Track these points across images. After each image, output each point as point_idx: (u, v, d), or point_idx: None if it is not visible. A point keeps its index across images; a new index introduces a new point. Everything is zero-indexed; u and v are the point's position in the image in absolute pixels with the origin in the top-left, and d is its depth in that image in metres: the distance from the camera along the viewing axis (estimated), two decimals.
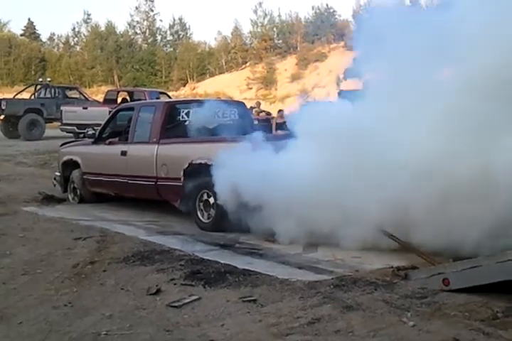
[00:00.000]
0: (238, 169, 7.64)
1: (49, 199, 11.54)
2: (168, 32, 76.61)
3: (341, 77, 55.91)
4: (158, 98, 22.28)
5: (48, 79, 30.83)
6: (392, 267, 6.08)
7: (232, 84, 61.90)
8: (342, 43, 62.88)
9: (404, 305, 5.00)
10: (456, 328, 4.53)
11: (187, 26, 76.55)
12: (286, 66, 63.82)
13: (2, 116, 26.30)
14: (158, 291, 5.85)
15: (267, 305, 5.28)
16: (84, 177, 11.26)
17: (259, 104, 25.85)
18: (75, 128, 22.88)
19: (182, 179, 9.05)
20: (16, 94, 28.81)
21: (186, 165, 9.01)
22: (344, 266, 6.44)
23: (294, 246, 7.40)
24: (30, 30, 78.80)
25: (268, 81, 62.57)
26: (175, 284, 6.01)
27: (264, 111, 24.87)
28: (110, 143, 10.73)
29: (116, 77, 68.89)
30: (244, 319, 5.06)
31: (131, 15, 75.50)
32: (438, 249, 6.22)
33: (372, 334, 4.53)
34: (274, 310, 5.17)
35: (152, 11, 75.03)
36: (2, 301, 6.23)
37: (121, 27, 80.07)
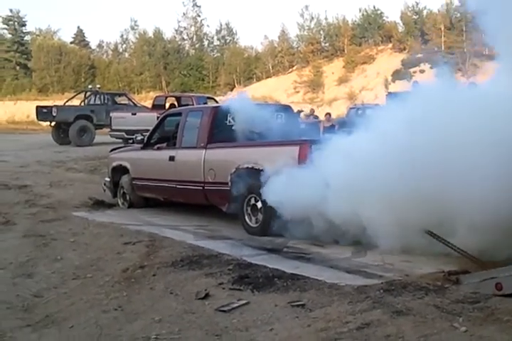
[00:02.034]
0: None
1: (99, 205, 11.70)
2: (215, 37, 77.17)
3: (389, 79, 55.60)
4: (205, 103, 22.39)
5: (98, 85, 31.27)
6: (443, 271, 5.97)
7: (279, 88, 61.92)
8: (390, 45, 62.51)
9: (455, 310, 4.91)
10: (509, 334, 4.42)
11: (234, 31, 77.03)
12: (333, 69, 63.59)
13: (53, 123, 26.74)
14: (206, 295, 5.86)
15: (315, 310, 5.24)
16: (134, 182, 11.37)
17: (313, 110, 25.94)
18: (124, 133, 23.10)
19: (229, 183, 9.06)
20: (67, 101, 29.26)
21: (233, 170, 9.02)
22: (394, 271, 6.36)
23: (343, 250, 7.34)
24: (80, 38, 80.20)
25: (315, 84, 62.44)
26: (223, 288, 6.02)
27: (312, 114, 24.88)
28: (158, 149, 10.81)
29: (164, 83, 69.57)
30: (293, 324, 5.03)
31: (179, 21, 76.59)
32: None
33: (423, 340, 4.45)
34: (322, 314, 5.12)
35: (199, 16, 75.69)
36: (53, 305, 6.32)
37: (168, 33, 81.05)
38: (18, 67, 73.34)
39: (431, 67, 58.16)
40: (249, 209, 8.79)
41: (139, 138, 11.52)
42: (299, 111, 20.98)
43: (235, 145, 9.51)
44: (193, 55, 73.46)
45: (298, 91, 62.90)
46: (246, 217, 8.83)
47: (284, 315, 5.22)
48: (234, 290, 5.93)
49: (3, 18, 73.64)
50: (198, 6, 75.12)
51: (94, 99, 27.51)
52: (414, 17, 65.20)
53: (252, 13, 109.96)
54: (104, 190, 12.25)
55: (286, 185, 7.77)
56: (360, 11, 69.54)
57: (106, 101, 27.06)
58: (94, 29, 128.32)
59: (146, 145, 11.17)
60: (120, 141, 23.14)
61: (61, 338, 5.54)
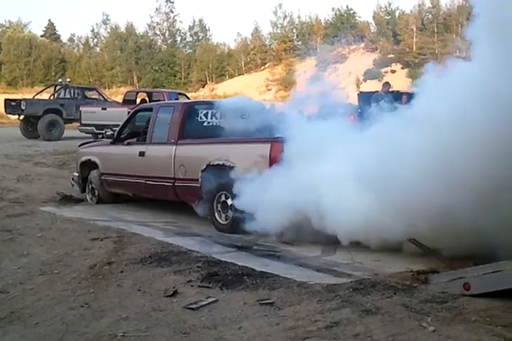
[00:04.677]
0: None
1: (67, 200, 11.57)
2: (188, 33, 77.11)
3: (361, 78, 55.92)
4: (177, 99, 22.27)
5: (68, 79, 30.95)
6: (412, 271, 5.98)
7: (251, 86, 62.01)
8: (362, 45, 62.92)
9: (424, 310, 4.92)
10: (477, 334, 4.44)
11: (207, 28, 77.01)
12: (305, 67, 63.76)
13: (22, 117, 26.42)
14: (175, 293, 5.82)
15: (284, 308, 5.23)
16: (103, 177, 11.26)
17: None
18: (93, 128, 22.88)
19: (200, 180, 9.02)
20: (36, 95, 28.90)
21: (204, 166, 8.98)
22: (363, 269, 6.36)
23: (313, 248, 7.33)
24: (51, 31, 79.54)
25: (287, 82, 62.58)
26: (192, 286, 5.98)
27: None
28: (128, 144, 10.72)
29: (135, 78, 69.25)
30: (262, 322, 5.01)
31: (151, 17, 76.09)
32: None
33: (391, 339, 4.46)
34: (291, 313, 5.11)
35: (172, 12, 75.56)
36: (19, 301, 6.25)
37: (140, 28, 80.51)
38: None
39: (402, 68, 58.75)
40: (219, 206, 8.75)
41: (109, 133, 11.40)
42: None
43: (206, 141, 9.46)
44: (165, 51, 73.24)
45: (270, 89, 63.03)
46: (216, 214, 8.79)
47: (253, 313, 5.20)
48: (202, 288, 5.89)
49: None
50: (171, 2, 75.02)
51: (64, 93, 27.18)
52: (387, 17, 65.75)
53: (225, 9, 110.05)
54: (73, 185, 12.13)
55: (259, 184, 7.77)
56: (333, 10, 70.13)
57: (76, 95, 26.76)
58: (66, 23, 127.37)
59: (116, 140, 11.07)
60: (90, 135, 22.95)
61: (26, 335, 5.48)
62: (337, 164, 7.30)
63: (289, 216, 7.35)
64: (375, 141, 7.03)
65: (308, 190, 7.27)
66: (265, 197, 7.50)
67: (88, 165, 11.67)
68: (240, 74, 67.95)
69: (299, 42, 69.07)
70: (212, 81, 68.10)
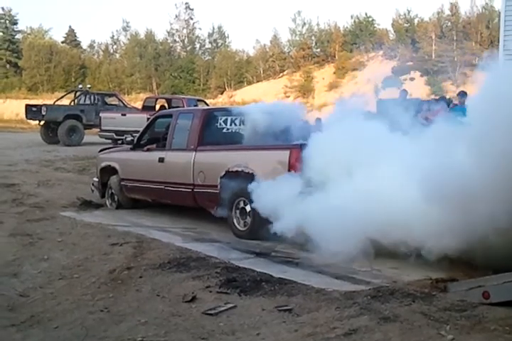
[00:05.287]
0: None
1: (87, 205, 11.65)
2: (207, 40, 77.11)
3: (380, 86, 55.74)
4: (196, 105, 22.34)
5: (88, 85, 31.16)
6: (430, 279, 5.98)
7: (269, 93, 61.91)
8: (381, 52, 62.75)
9: (442, 318, 4.90)
10: None
11: (226, 34, 76.99)
12: (324, 75, 63.70)
13: (42, 122, 26.62)
14: (193, 298, 5.85)
15: (302, 315, 5.23)
16: (122, 183, 11.32)
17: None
18: (113, 134, 23.04)
19: (219, 186, 9.04)
20: (56, 101, 29.11)
21: (223, 173, 9.01)
22: (381, 277, 6.36)
23: (331, 255, 7.30)
24: (71, 38, 79.94)
25: (305, 89, 62.51)
26: (210, 292, 6.00)
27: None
28: (148, 150, 10.79)
29: (154, 85, 69.47)
30: (280, 328, 5.02)
31: (171, 24, 76.16)
32: None
33: None
34: (310, 320, 5.11)
35: (191, 19, 75.59)
36: (39, 305, 6.29)
37: (160, 35, 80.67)
38: (8, 66, 73.05)
39: (421, 75, 58.53)
40: (237, 212, 8.78)
41: (129, 139, 11.48)
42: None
43: (225, 148, 9.49)
44: (185, 58, 73.37)
45: (288, 96, 62.90)
46: (234, 220, 8.82)
47: (271, 320, 5.21)
48: (221, 294, 5.92)
49: None
50: (190, 9, 75.07)
51: (84, 99, 27.40)
52: (406, 25, 65.51)
53: (244, 17, 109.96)
54: (93, 191, 12.21)
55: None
56: (351, 17, 69.81)
57: (96, 101, 26.96)
58: (86, 29, 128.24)
59: (136, 146, 11.14)
60: (109, 141, 23.08)
61: (46, 338, 5.52)
62: (410, 174, 6.73)
63: (365, 234, 6.92)
64: (451, 147, 6.53)
65: (384, 205, 6.78)
66: (331, 215, 7.03)
67: (108, 171, 11.74)
68: (258, 81, 67.87)
69: (318, 50, 68.98)
70: (230, 88, 68.11)
